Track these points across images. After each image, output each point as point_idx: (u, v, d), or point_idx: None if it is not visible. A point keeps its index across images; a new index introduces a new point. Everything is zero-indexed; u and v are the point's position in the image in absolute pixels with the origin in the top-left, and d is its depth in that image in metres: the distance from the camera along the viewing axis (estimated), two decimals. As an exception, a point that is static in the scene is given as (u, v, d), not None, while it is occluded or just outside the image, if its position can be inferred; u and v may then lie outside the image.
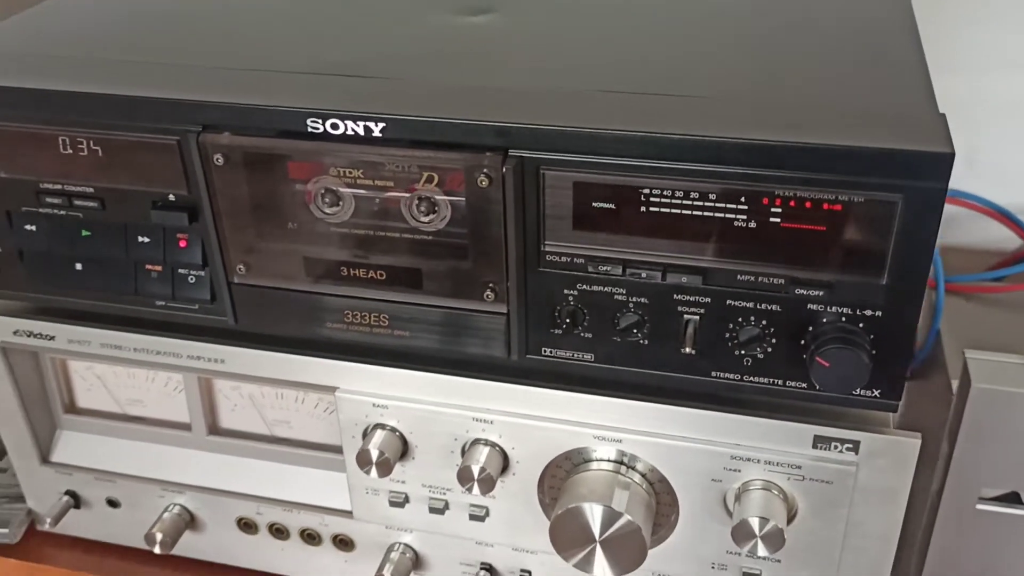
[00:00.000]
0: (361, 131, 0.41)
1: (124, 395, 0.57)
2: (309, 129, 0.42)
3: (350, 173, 0.43)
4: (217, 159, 0.43)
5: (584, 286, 0.42)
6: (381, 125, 0.41)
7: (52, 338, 0.52)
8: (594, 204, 0.40)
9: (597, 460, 0.47)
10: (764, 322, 0.41)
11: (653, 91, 0.42)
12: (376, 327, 0.46)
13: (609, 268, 0.41)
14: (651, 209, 0.40)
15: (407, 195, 0.43)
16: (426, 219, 0.43)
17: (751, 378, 0.42)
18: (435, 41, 0.49)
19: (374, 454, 0.48)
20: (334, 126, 0.41)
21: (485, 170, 0.40)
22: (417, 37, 0.50)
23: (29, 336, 0.53)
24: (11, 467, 0.63)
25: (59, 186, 0.47)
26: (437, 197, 0.43)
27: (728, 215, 0.39)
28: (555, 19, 0.53)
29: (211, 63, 0.47)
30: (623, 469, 0.46)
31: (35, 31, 0.53)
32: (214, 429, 0.56)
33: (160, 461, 0.57)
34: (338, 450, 0.53)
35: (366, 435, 0.49)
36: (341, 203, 0.44)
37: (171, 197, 0.45)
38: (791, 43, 0.48)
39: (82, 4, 0.57)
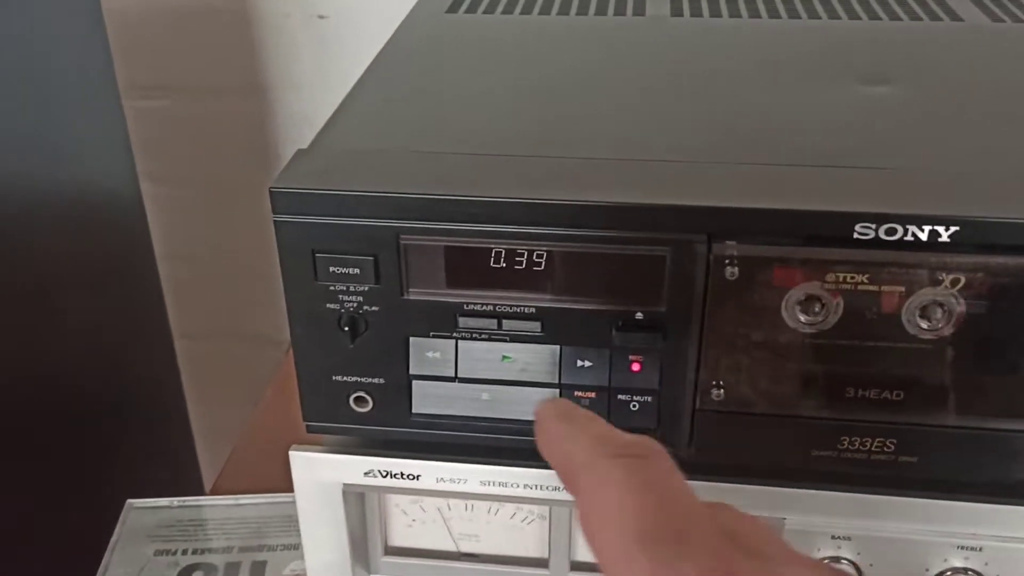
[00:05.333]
0: (925, 237, 0.35)
1: (456, 530, 0.49)
2: (856, 235, 0.36)
3: (851, 278, 0.38)
4: (729, 273, 0.37)
5: None
6: (953, 229, 0.35)
7: (417, 477, 0.44)
8: None
9: (1087, 580, 0.42)
10: None
11: None
12: (877, 454, 0.40)
13: None
14: None
15: (918, 300, 0.37)
16: (940, 325, 0.38)
17: None
18: (879, 119, 0.44)
19: (834, 592, 0.42)
20: (890, 231, 0.35)
21: (1080, 276, 0.35)
22: (856, 114, 0.45)
23: (386, 476, 0.44)
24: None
25: (490, 307, 0.39)
26: (951, 302, 0.37)
27: None
28: (972, 94, 0.48)
29: (691, 158, 0.40)
30: (1124, 589, 0.42)
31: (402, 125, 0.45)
32: (575, 564, 0.48)
33: (505, 604, 0.49)
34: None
35: (810, 568, 0.43)
36: (825, 310, 0.38)
37: (638, 316, 0.38)
38: None
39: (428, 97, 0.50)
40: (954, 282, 0.37)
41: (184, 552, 0.59)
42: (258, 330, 1.07)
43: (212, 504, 0.62)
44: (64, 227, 0.71)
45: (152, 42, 0.98)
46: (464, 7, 0.61)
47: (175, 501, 0.62)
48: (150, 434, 0.89)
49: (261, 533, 0.60)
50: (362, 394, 0.42)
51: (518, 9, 0.60)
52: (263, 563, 0.58)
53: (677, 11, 0.60)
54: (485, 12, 0.60)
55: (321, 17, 1.01)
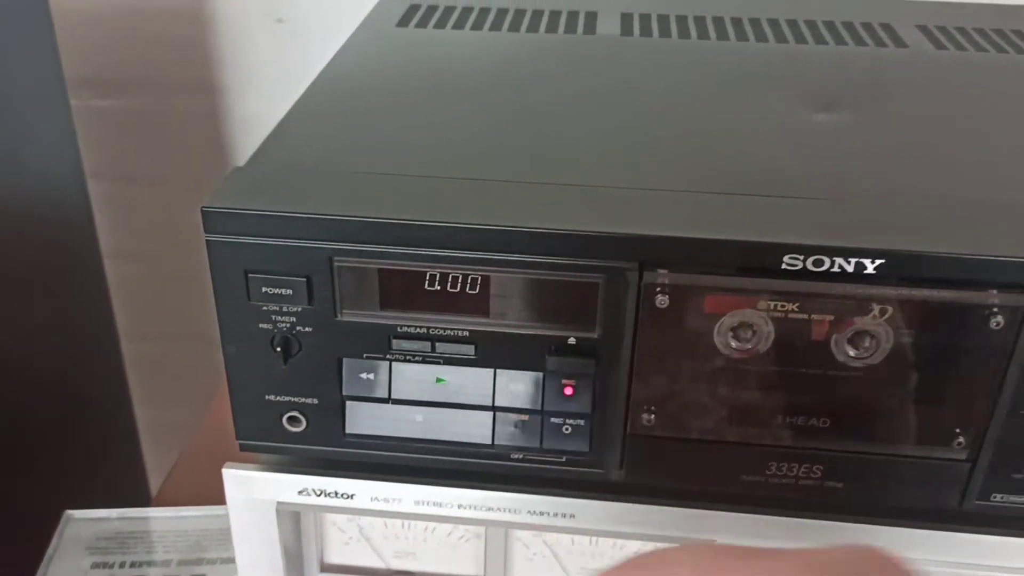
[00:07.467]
0: (851, 268, 0.36)
1: (392, 547, 0.49)
2: (784, 266, 0.36)
3: (782, 307, 0.38)
4: (659, 300, 0.37)
5: (1069, 429, 0.38)
6: (878, 262, 0.36)
7: (351, 496, 0.44)
8: (1099, 342, 0.37)
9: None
10: None
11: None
12: (804, 479, 0.40)
13: (1112, 411, 0.37)
14: None
15: (848, 329, 0.38)
16: (867, 354, 0.38)
17: None
18: (824, 147, 0.45)
19: (763, 614, 0.42)
20: (817, 263, 0.36)
21: (1001, 310, 0.36)
22: (801, 141, 0.45)
23: (320, 495, 0.44)
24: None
25: (423, 329, 0.39)
26: (879, 331, 0.38)
27: None
28: (914, 121, 0.48)
29: (606, 183, 0.40)
30: (1047, 614, 0.42)
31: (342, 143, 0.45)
32: (510, 582, 0.49)
33: (440, 622, 0.49)
34: (664, 599, 0.47)
35: (740, 590, 0.43)
36: (756, 337, 0.39)
37: (572, 340, 0.39)
38: None
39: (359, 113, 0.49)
40: (882, 312, 0.38)
41: (122, 565, 0.58)
42: (207, 332, 1.06)
43: (152, 516, 0.61)
44: (5, 224, 0.70)
45: (109, 41, 0.97)
46: (415, 21, 0.61)
47: (114, 513, 0.61)
48: (95, 437, 0.88)
49: (201, 546, 0.59)
50: (295, 414, 0.41)
51: (469, 24, 0.60)
52: (202, 577, 0.58)
53: (627, 31, 0.60)
54: (436, 27, 0.60)
55: (280, 21, 1.01)
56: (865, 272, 0.36)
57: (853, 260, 0.36)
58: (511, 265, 0.37)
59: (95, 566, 0.58)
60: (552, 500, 0.43)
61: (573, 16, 0.62)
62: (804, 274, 0.36)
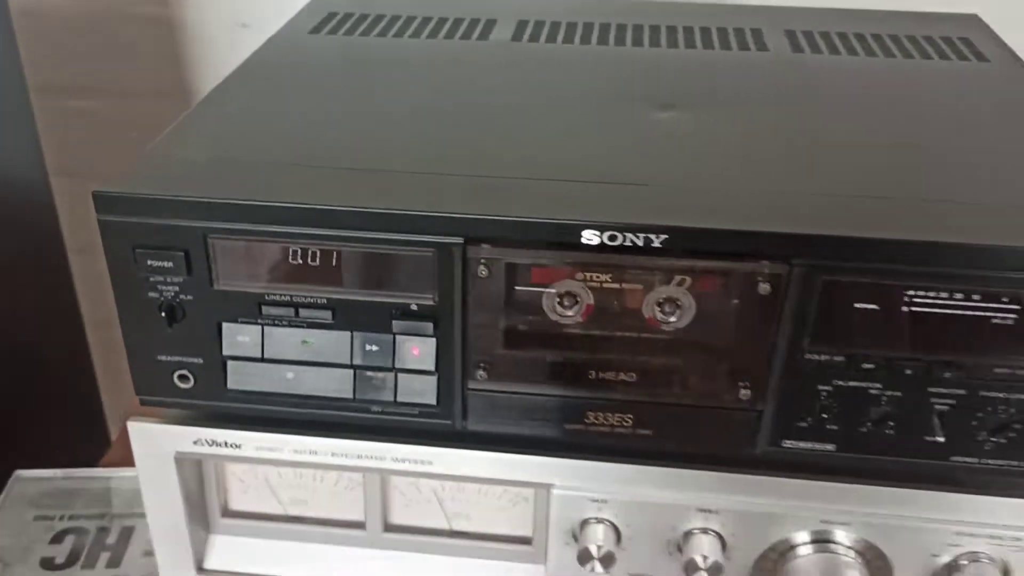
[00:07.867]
0: (640, 243, 0.42)
1: (287, 495, 0.55)
2: (584, 241, 0.42)
3: (597, 277, 0.44)
4: (480, 271, 0.43)
5: (840, 382, 0.44)
6: (663, 237, 0.42)
7: (239, 446, 0.50)
8: (859, 306, 0.43)
9: (814, 543, 0.49)
10: (1013, 410, 0.44)
11: (913, 196, 0.45)
12: (619, 427, 0.47)
13: (872, 366, 0.43)
14: (914, 310, 0.42)
15: (653, 296, 0.44)
16: (672, 319, 0.44)
17: (989, 461, 0.45)
18: (652, 140, 0.51)
19: (595, 550, 0.49)
20: (612, 238, 0.42)
21: (767, 278, 0.42)
22: (633, 135, 0.51)
23: (211, 445, 0.51)
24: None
25: (287, 297, 0.45)
26: (682, 298, 0.44)
27: (993, 314, 0.42)
28: (744, 118, 0.54)
29: (448, 171, 0.46)
30: (841, 549, 0.48)
31: (230, 134, 0.51)
32: (389, 526, 0.55)
33: (329, 561, 0.55)
34: (524, 541, 0.53)
35: (579, 529, 0.50)
36: (579, 304, 0.45)
37: (413, 307, 0.45)
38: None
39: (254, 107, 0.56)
40: (681, 282, 0.44)
41: (61, 518, 0.65)
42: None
43: (93, 476, 0.68)
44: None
45: (79, 47, 1.03)
46: (327, 29, 0.67)
47: (59, 472, 0.68)
48: (64, 418, 0.95)
49: (133, 503, 0.66)
50: (184, 372, 0.48)
51: (375, 32, 0.66)
52: (131, 528, 0.64)
53: (518, 37, 0.66)
54: (345, 34, 0.66)
55: (244, 26, 1.06)
56: (653, 246, 0.42)
57: (642, 235, 0.42)
58: (358, 241, 0.44)
59: (37, 518, 0.64)
60: (411, 449, 0.49)
61: (474, 23, 0.69)
62: (602, 248, 0.42)
